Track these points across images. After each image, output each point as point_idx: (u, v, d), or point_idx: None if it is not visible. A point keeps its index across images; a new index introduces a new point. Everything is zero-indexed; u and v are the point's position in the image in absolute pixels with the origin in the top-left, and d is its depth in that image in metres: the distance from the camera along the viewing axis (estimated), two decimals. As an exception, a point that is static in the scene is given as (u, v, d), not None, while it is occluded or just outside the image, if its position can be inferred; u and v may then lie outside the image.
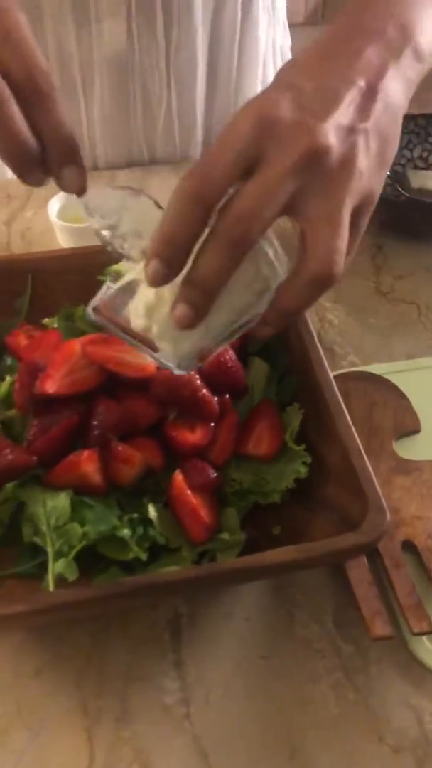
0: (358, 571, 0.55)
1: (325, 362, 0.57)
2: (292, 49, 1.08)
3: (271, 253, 0.44)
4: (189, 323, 0.42)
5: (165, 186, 0.94)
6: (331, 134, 0.40)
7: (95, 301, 0.47)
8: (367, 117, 0.42)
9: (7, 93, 0.39)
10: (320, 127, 0.40)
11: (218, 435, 0.56)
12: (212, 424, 0.56)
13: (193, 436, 0.55)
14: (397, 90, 0.44)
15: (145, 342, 0.46)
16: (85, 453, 0.52)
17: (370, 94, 0.43)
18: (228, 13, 0.88)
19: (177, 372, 0.48)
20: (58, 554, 0.50)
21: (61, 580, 0.50)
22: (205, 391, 0.55)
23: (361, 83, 0.43)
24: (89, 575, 0.51)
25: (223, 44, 0.91)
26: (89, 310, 0.47)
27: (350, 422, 0.53)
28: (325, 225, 0.41)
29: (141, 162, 0.99)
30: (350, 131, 0.41)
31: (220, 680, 0.52)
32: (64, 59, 0.86)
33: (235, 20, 0.89)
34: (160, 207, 0.44)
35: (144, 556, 0.50)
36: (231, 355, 0.58)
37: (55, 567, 0.50)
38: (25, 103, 0.40)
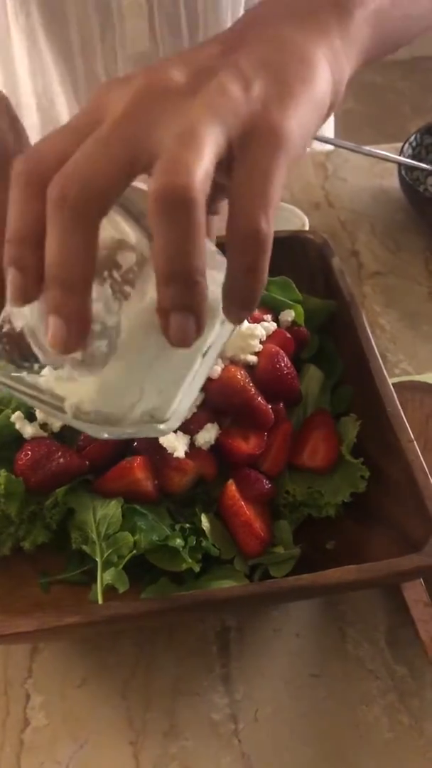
0: (414, 591, 0.53)
1: (385, 372, 0.55)
2: None
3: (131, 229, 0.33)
4: (65, 339, 0.31)
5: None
6: (175, 71, 0.32)
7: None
8: (232, 53, 0.33)
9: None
10: (158, 68, 0.32)
11: (272, 445, 0.54)
12: (266, 434, 0.54)
13: (246, 446, 0.53)
14: (286, 29, 0.35)
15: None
16: (138, 459, 0.51)
17: (237, 38, 0.34)
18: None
19: (108, 435, 0.37)
20: (107, 564, 0.49)
21: (108, 590, 0.49)
22: (260, 399, 0.53)
23: (227, 36, 0.35)
24: (137, 585, 0.50)
25: None
26: None
27: (413, 437, 0.51)
28: (173, 138, 0.30)
29: None
30: (205, 70, 0.33)
31: (270, 697, 0.50)
32: (89, 60, 0.84)
33: None
34: None
35: (197, 568, 0.49)
36: (286, 361, 0.56)
37: (104, 577, 0.48)
38: None
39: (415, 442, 0.51)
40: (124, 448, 0.53)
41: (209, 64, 0.33)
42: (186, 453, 0.51)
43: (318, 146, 1.03)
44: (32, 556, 0.52)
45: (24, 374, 0.35)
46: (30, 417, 0.54)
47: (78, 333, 0.31)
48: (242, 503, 0.51)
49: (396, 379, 0.67)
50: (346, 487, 0.54)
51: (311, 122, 0.35)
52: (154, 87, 0.32)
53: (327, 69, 0.36)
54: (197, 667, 0.52)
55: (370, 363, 0.56)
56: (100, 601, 0.47)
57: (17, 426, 0.53)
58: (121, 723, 0.49)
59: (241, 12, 0.85)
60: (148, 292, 0.33)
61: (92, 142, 0.31)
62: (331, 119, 1.05)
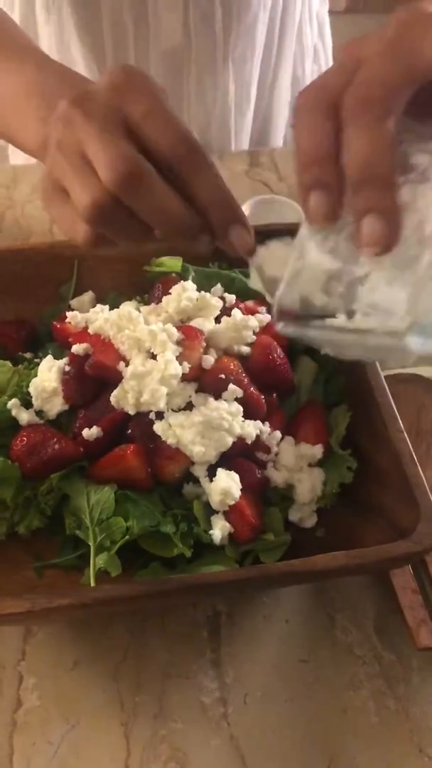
0: (402, 578, 0.54)
1: (377, 363, 0.56)
2: (333, 40, 1.06)
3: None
4: (385, 235, 0.33)
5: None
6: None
7: (280, 307, 0.38)
8: None
9: (148, 167, 0.38)
10: (407, 8, 0.35)
11: (264, 434, 0.55)
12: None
13: (239, 435, 0.54)
14: None
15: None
16: (132, 447, 0.52)
17: None
18: None
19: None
20: (100, 548, 0.50)
21: (101, 574, 0.49)
22: (253, 389, 0.54)
23: None
24: (129, 570, 0.51)
25: (271, 18, 0.89)
26: (279, 326, 0.38)
27: (402, 427, 0.51)
28: None
29: None
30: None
31: (259, 682, 0.51)
32: (122, 56, 0.85)
33: None
34: None
35: (189, 553, 0.50)
36: (279, 352, 0.57)
37: (97, 561, 0.49)
38: (180, 174, 0.39)
39: (404, 433, 0.51)
40: (118, 436, 0.53)
41: None
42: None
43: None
44: (26, 540, 0.53)
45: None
46: (26, 404, 0.55)
47: (396, 227, 0.33)
48: (234, 491, 0.52)
49: (389, 372, 0.67)
50: (334, 477, 0.54)
51: None
52: (412, 17, 0.35)
53: None
54: (188, 651, 0.52)
55: (362, 354, 0.56)
56: (92, 585, 0.48)
57: (13, 413, 0.54)
58: (113, 705, 0.50)
59: (269, 9, 0.86)
60: None
61: (372, 58, 0.34)
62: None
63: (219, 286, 0.61)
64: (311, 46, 0.99)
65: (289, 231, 0.66)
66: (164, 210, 0.39)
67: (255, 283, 0.41)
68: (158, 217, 0.39)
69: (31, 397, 0.55)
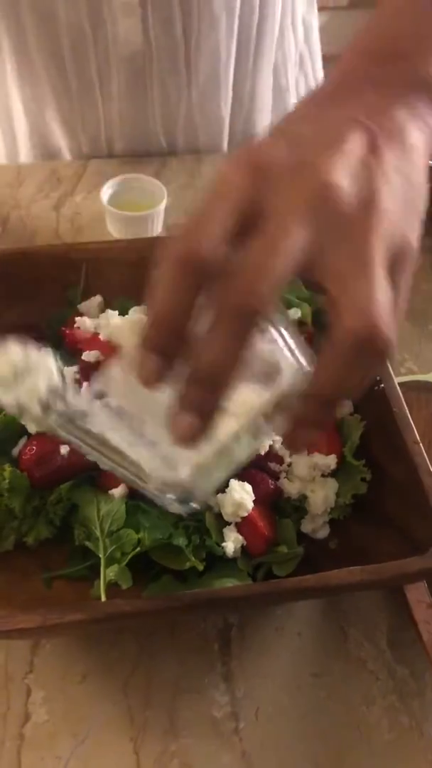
0: (416, 592, 0.53)
1: (392, 372, 0.55)
2: (331, 32, 1.03)
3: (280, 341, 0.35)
4: (194, 434, 0.32)
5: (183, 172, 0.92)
6: (339, 170, 0.33)
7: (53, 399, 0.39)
8: (379, 153, 0.34)
9: None
10: (325, 163, 0.33)
11: (277, 444, 0.54)
12: (271, 432, 0.54)
13: (251, 444, 0.53)
14: (410, 128, 0.37)
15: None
16: (143, 457, 0.50)
17: (378, 131, 0.35)
18: None
19: (178, 510, 0.38)
20: (110, 560, 0.49)
21: (111, 586, 0.49)
22: (266, 397, 0.53)
23: (367, 121, 0.35)
24: (140, 582, 0.50)
25: (244, 24, 0.86)
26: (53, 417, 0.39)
27: (418, 438, 0.51)
28: (356, 274, 0.32)
29: (161, 154, 0.96)
30: (363, 165, 0.34)
31: (271, 696, 0.50)
32: (81, 60, 0.84)
33: None
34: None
35: (201, 567, 0.49)
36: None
37: (107, 573, 0.48)
38: None
39: (420, 443, 0.50)
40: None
41: (363, 173, 0.33)
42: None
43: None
44: (35, 551, 0.52)
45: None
46: (34, 411, 0.54)
47: (207, 431, 0.32)
48: (247, 502, 0.51)
49: (401, 379, 0.66)
50: (348, 489, 0.53)
51: None
52: (324, 201, 0.32)
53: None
54: (198, 664, 0.52)
55: (377, 363, 0.55)
56: (102, 598, 0.47)
57: (22, 421, 0.53)
58: (122, 719, 0.49)
59: (236, 15, 0.83)
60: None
61: (265, 248, 0.31)
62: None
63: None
64: (296, 52, 0.97)
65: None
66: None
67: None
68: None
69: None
